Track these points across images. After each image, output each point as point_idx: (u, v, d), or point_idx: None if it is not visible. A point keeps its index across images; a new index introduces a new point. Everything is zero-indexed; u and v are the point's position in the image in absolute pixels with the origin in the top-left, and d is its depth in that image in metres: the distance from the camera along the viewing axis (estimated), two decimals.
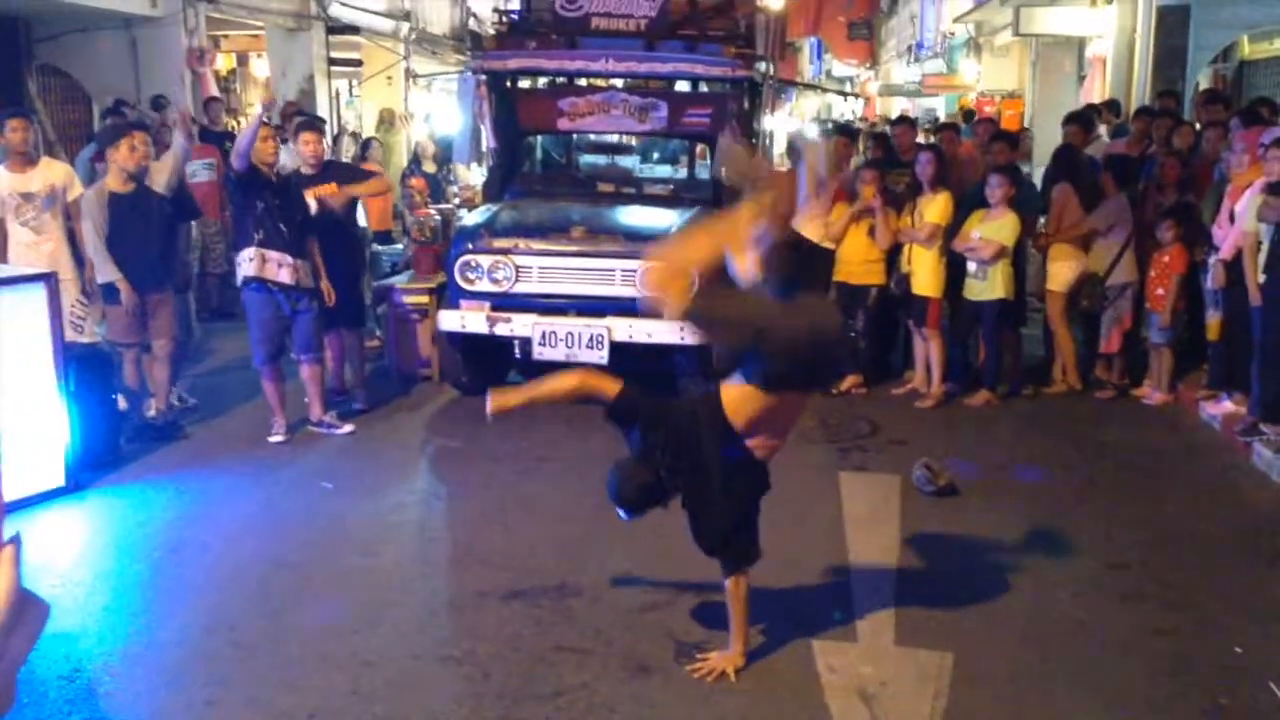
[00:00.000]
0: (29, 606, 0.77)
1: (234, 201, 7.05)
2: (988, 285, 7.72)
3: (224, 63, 16.77)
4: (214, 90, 13.55)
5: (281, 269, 6.82)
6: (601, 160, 10.87)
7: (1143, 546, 5.54)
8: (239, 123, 13.40)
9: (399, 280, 8.68)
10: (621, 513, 4.27)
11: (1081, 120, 9.88)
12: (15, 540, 0.77)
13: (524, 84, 9.43)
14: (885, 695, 4.05)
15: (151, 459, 6.63)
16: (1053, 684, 4.18)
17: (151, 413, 7.13)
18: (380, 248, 10.55)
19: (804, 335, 3.94)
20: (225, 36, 16.43)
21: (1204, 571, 5.25)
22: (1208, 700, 4.09)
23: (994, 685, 4.17)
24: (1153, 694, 4.14)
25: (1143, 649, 4.49)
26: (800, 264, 4.08)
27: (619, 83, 8.68)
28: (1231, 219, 7.11)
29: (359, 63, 17.70)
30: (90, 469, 6.19)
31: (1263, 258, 6.74)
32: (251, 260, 6.79)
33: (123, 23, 12.64)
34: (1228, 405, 7.42)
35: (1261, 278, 6.75)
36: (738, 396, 4.01)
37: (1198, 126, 9.46)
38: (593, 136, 10.42)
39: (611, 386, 4.15)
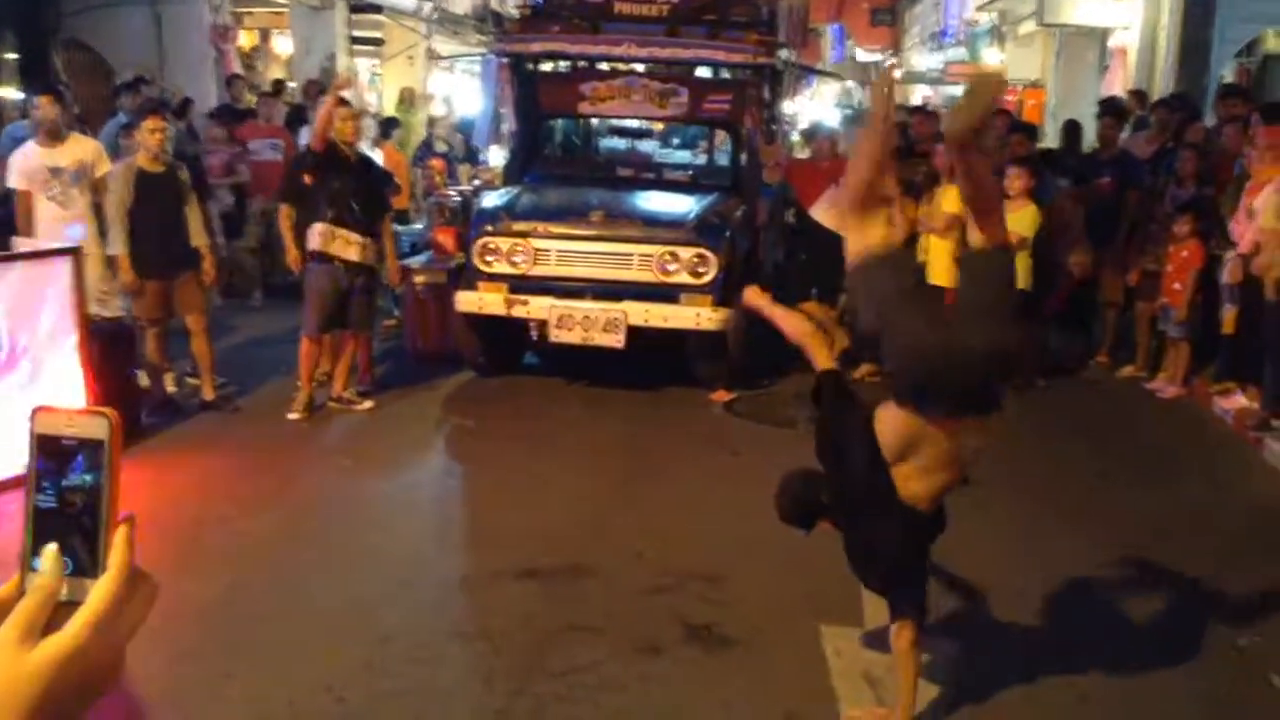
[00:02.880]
0: (140, 582, 0.83)
1: (309, 178, 7.09)
2: None
3: (246, 40, 16.80)
4: (237, 67, 13.61)
5: (350, 246, 6.98)
6: (621, 145, 10.89)
7: (1153, 538, 5.57)
8: (257, 101, 13.44)
9: (417, 261, 8.74)
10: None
11: (1115, 111, 9.87)
12: (129, 518, 0.83)
13: (546, 67, 9.46)
14: (891, 679, 4.09)
15: (171, 434, 6.72)
16: (1061, 668, 4.23)
17: (171, 389, 7.23)
18: (398, 228, 10.60)
19: (931, 345, 3.38)
20: (248, 13, 16.47)
21: (1214, 564, 5.27)
22: (1209, 688, 4.15)
23: (1001, 667, 4.22)
24: (1158, 681, 4.19)
25: (1151, 638, 4.54)
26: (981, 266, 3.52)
27: (640, 68, 8.70)
28: (1250, 215, 7.11)
29: (381, 42, 17.70)
30: None
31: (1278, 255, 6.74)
32: (321, 235, 6.93)
33: None
34: (1240, 400, 7.43)
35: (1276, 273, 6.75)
36: (884, 410, 3.54)
37: (1213, 121, 9.50)
38: (613, 121, 10.44)
39: (824, 360, 3.88)
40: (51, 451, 0.81)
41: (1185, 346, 7.96)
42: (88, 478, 0.81)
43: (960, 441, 3.49)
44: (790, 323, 4.09)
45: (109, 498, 0.81)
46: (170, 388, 7.23)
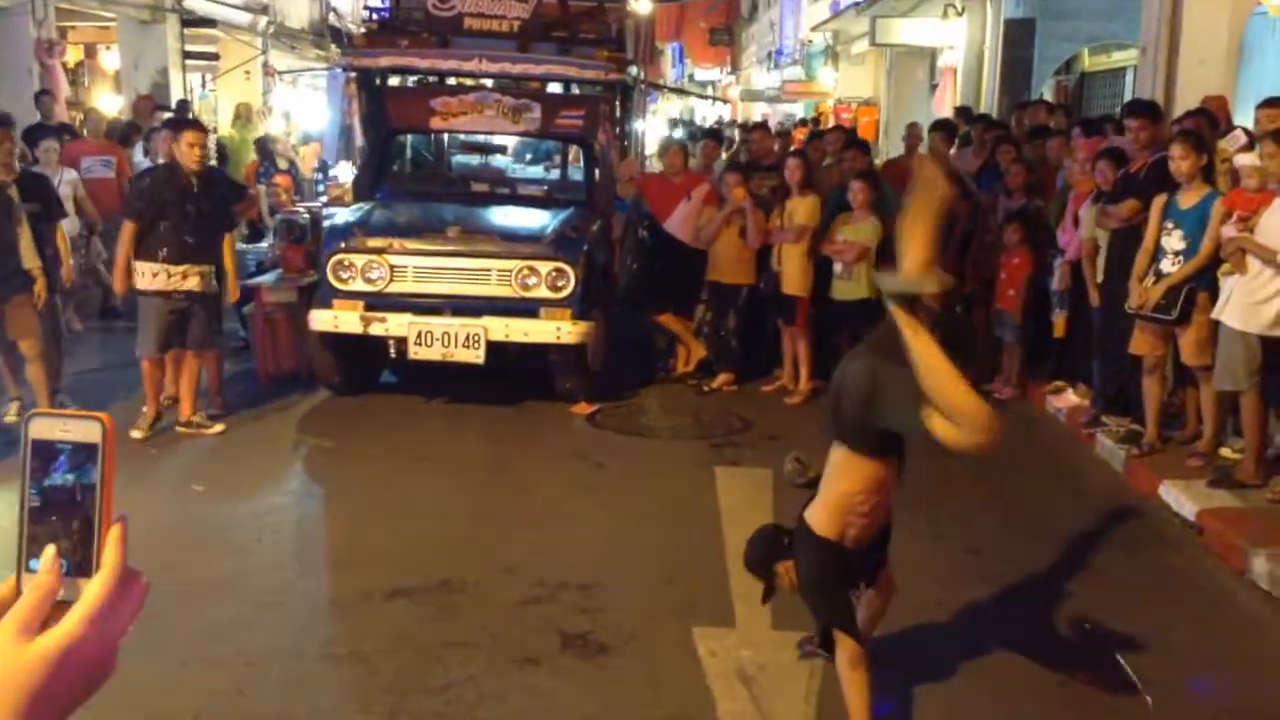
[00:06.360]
0: (132, 580, 0.83)
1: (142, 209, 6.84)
2: (853, 285, 8.01)
3: (71, 55, 16.10)
4: (64, 84, 13.04)
5: (187, 279, 6.78)
6: (474, 160, 10.86)
7: (997, 532, 5.87)
8: (84, 117, 12.90)
9: (266, 279, 8.53)
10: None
11: (946, 128, 10.39)
12: (123, 519, 0.83)
13: (394, 82, 9.37)
14: (764, 676, 4.22)
15: (11, 463, 6.39)
16: (919, 661, 4.42)
17: (11, 418, 6.88)
18: (243, 246, 10.34)
19: (835, 376, 3.48)
20: (72, 28, 15.80)
21: (1054, 554, 5.58)
22: (1060, 672, 4.38)
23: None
24: (1010, 668, 4.42)
25: (1000, 627, 4.77)
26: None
27: (491, 83, 8.70)
28: (1076, 223, 7.55)
29: (216, 56, 17.21)
30: None
31: (1101, 261, 7.19)
32: (156, 276, 6.72)
33: None
34: (1072, 398, 7.88)
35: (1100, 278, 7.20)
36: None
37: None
38: (465, 136, 10.40)
39: None
40: (46, 456, 0.82)
41: (1019, 349, 8.38)
42: (69, 477, 0.82)
43: (864, 482, 3.57)
44: None
45: (102, 499, 0.82)
46: (10, 418, 6.88)
